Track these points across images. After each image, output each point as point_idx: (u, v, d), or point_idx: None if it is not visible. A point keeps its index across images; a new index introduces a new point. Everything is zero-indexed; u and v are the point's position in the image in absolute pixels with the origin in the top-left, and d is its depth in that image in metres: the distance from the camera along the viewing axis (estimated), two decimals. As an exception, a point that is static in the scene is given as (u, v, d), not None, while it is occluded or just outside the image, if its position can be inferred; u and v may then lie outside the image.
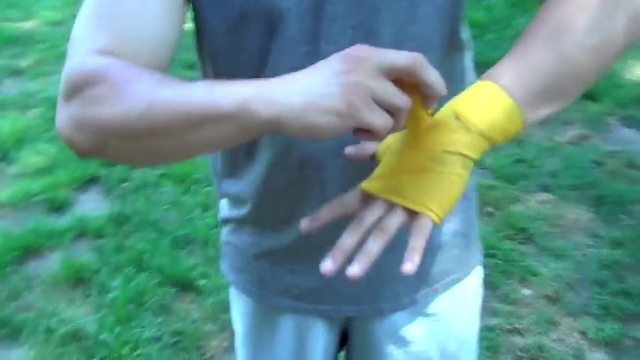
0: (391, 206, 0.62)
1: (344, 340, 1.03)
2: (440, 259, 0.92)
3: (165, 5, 0.66)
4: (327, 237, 0.83)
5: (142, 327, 2.08)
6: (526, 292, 2.21)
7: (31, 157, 3.20)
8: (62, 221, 2.67)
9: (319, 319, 0.95)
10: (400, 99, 0.54)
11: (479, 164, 2.88)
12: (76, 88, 0.59)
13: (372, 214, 0.62)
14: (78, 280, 2.35)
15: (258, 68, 0.73)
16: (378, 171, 0.65)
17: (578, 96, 0.69)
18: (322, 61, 0.54)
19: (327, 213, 0.66)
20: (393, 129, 0.55)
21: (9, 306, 2.26)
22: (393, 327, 0.94)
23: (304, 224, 0.65)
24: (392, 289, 0.91)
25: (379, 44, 0.56)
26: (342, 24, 0.70)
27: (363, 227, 0.62)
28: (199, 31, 0.76)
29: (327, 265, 0.60)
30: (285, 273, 0.91)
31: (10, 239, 2.55)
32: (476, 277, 1.00)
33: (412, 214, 0.62)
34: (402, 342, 0.95)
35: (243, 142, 0.57)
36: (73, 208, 2.81)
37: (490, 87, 0.63)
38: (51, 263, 2.45)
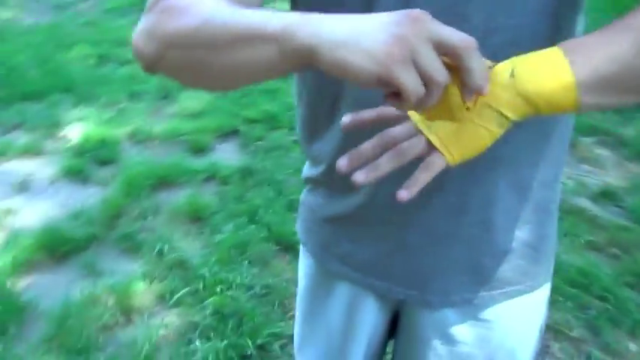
0: (418, 136, 0.65)
1: (395, 328, 1.03)
2: (503, 266, 0.88)
3: None
4: (387, 214, 0.85)
5: (238, 273, 2.22)
6: (632, 347, 2.02)
7: (188, 101, 3.50)
8: (198, 163, 2.91)
9: (372, 295, 0.96)
10: (439, 72, 0.52)
11: (614, 201, 2.68)
12: (155, 1, 0.66)
13: (397, 133, 0.65)
14: (196, 217, 2.56)
15: None
16: None
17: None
18: (382, 13, 0.53)
19: (368, 114, 0.67)
20: (423, 102, 0.54)
21: (136, 224, 2.52)
22: (442, 323, 0.92)
23: (345, 119, 0.67)
24: (442, 284, 0.89)
25: (468, 30, 0.55)
26: (432, 5, 0.69)
27: (384, 140, 0.65)
28: None
29: (341, 162, 0.64)
30: (346, 240, 0.93)
31: (151, 168, 2.82)
32: (542, 295, 0.95)
33: (431, 149, 0.64)
34: (449, 340, 0.93)
35: (285, 72, 0.58)
36: (210, 153, 3.04)
37: (558, 57, 0.61)
38: (179, 197, 2.69)
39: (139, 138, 3.14)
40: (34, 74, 3.70)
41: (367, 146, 0.65)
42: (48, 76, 3.60)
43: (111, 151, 2.98)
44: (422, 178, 0.64)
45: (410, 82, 0.51)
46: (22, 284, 2.23)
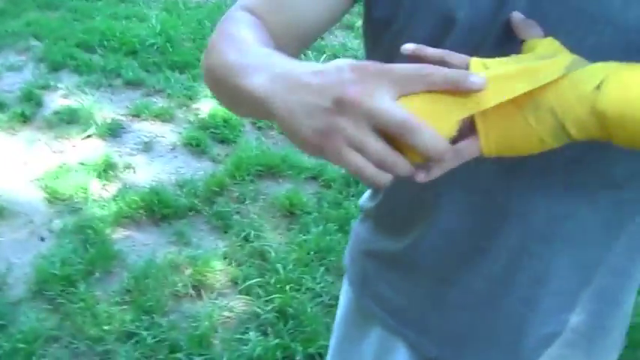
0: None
1: None
2: (545, 351, 0.79)
3: None
4: (430, 265, 0.81)
5: (312, 277, 2.21)
6: None
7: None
8: (306, 161, 2.93)
9: (402, 345, 0.90)
10: (387, 157, 0.50)
11: None
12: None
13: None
14: (290, 212, 2.59)
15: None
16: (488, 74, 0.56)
17: None
18: (334, 67, 0.52)
19: (432, 52, 0.60)
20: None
21: (232, 205, 2.60)
22: None
23: (409, 46, 0.60)
24: (476, 352, 0.83)
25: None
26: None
27: None
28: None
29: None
30: (385, 282, 0.89)
31: (262, 155, 2.90)
32: None
33: (472, 130, 0.56)
34: None
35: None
36: (322, 154, 3.06)
37: None
38: (279, 189, 2.73)
39: (260, 125, 3.23)
40: (187, 47, 3.95)
41: None
42: (198, 51, 3.83)
43: (231, 132, 3.10)
44: (446, 164, 0.56)
45: (356, 164, 0.50)
46: (117, 235, 2.40)
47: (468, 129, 0.55)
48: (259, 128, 3.24)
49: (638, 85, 0.51)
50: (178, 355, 1.87)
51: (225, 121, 3.15)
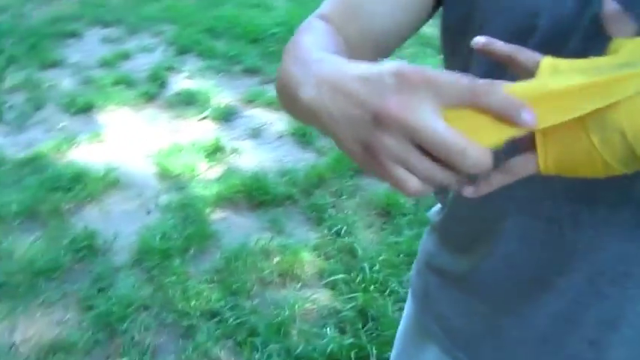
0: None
1: None
2: None
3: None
4: (489, 291, 0.75)
5: (398, 280, 2.15)
6: None
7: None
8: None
9: None
10: (434, 173, 0.46)
11: None
12: None
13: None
14: (386, 212, 2.55)
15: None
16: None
17: None
18: (378, 74, 0.48)
19: (500, 47, 0.56)
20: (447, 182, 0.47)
21: (329, 199, 2.61)
22: None
23: (480, 39, 0.56)
24: None
25: None
26: None
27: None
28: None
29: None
30: (446, 301, 0.86)
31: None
32: None
33: (530, 149, 0.50)
34: None
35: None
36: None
37: None
38: (378, 187, 2.69)
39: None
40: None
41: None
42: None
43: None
44: (498, 180, 0.51)
45: (399, 179, 0.47)
46: (216, 216, 2.49)
47: (526, 143, 0.50)
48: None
49: None
50: (256, 339, 1.91)
51: (333, 114, 3.16)
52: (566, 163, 0.49)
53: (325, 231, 2.42)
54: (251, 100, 3.35)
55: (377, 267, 2.19)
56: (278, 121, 3.20)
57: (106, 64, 3.82)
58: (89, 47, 4.13)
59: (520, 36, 0.59)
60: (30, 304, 2.04)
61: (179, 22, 4.41)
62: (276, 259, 2.26)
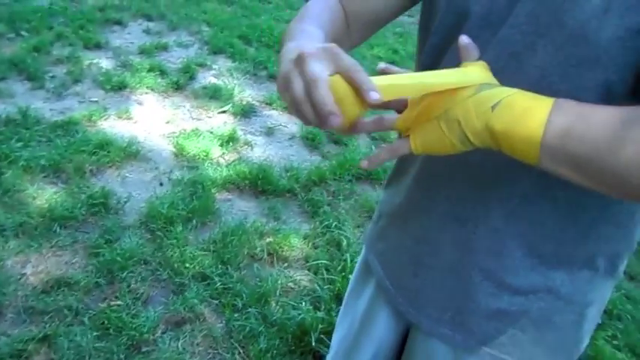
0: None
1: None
2: (492, 325, 0.88)
3: None
4: (411, 223, 0.95)
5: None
6: None
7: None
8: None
9: (385, 301, 1.03)
10: (296, 90, 0.68)
11: None
12: None
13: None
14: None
15: None
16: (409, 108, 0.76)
17: (596, 188, 0.64)
18: (318, 44, 0.72)
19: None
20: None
21: (326, 198, 2.82)
22: (431, 355, 0.95)
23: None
24: (434, 310, 0.93)
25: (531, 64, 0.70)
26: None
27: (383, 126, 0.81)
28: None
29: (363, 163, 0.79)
30: (384, 238, 1.03)
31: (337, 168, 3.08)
32: None
33: (407, 137, 0.75)
34: None
35: None
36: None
37: (543, 110, 0.63)
38: (373, 194, 2.90)
39: (375, 136, 3.43)
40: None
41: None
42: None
43: (347, 135, 3.34)
44: (384, 155, 0.75)
45: (285, 100, 0.71)
46: (221, 196, 2.72)
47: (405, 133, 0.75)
48: (373, 138, 3.44)
49: (522, 108, 0.64)
50: (238, 302, 2.11)
51: (343, 124, 3.39)
52: (428, 144, 0.73)
53: (317, 224, 2.63)
54: (270, 103, 3.60)
55: (357, 259, 2.39)
56: (292, 125, 3.44)
57: (144, 52, 4.11)
58: (131, 36, 4.43)
59: (455, 24, 0.81)
60: (43, 244, 2.28)
61: (216, 25, 4.71)
62: (267, 240, 2.48)
